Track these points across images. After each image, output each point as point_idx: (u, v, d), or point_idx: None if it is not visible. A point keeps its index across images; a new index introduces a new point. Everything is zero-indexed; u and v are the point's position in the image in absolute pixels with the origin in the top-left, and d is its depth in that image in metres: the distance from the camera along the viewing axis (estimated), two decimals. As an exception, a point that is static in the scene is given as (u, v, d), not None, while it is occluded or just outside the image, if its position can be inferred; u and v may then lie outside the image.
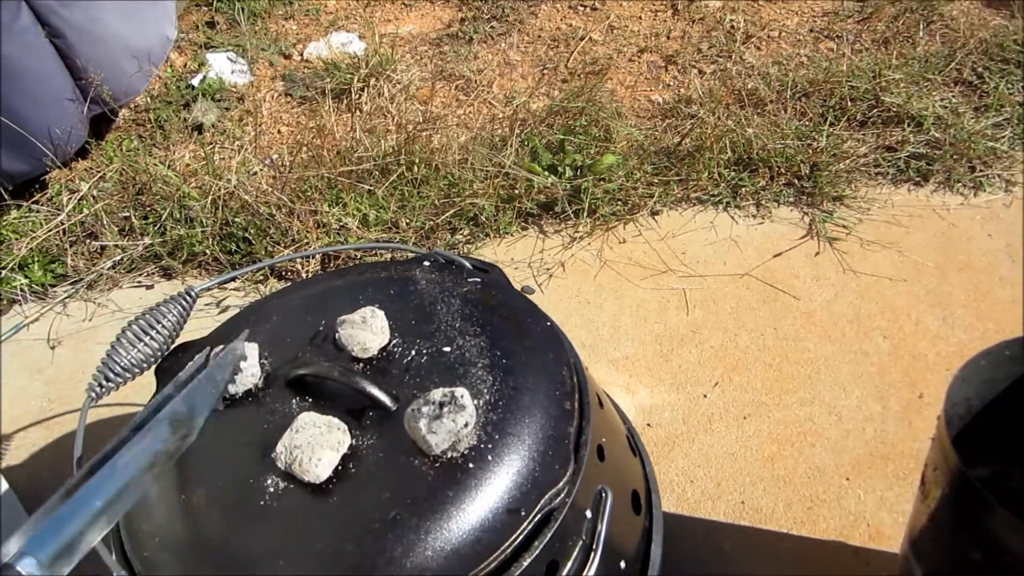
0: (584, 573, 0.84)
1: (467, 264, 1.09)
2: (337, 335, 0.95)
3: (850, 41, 2.60)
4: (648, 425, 1.53)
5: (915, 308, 1.72)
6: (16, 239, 2.16)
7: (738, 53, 2.60)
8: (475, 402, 0.84)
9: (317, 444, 0.81)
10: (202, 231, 2.02)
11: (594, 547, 0.85)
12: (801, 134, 2.15)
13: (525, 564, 0.77)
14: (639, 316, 1.77)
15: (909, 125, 2.16)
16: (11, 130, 2.10)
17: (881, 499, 1.38)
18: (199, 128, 2.56)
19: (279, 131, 2.54)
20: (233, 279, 1.93)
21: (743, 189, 2.05)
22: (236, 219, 2.03)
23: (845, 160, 2.06)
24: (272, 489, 0.81)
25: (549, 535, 0.79)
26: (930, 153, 2.09)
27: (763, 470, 1.44)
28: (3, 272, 2.06)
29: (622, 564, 0.94)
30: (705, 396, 1.58)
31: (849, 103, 2.24)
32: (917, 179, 2.06)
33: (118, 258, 2.08)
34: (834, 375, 1.60)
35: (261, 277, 1.98)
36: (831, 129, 2.14)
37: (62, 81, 2.24)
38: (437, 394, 0.82)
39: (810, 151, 2.08)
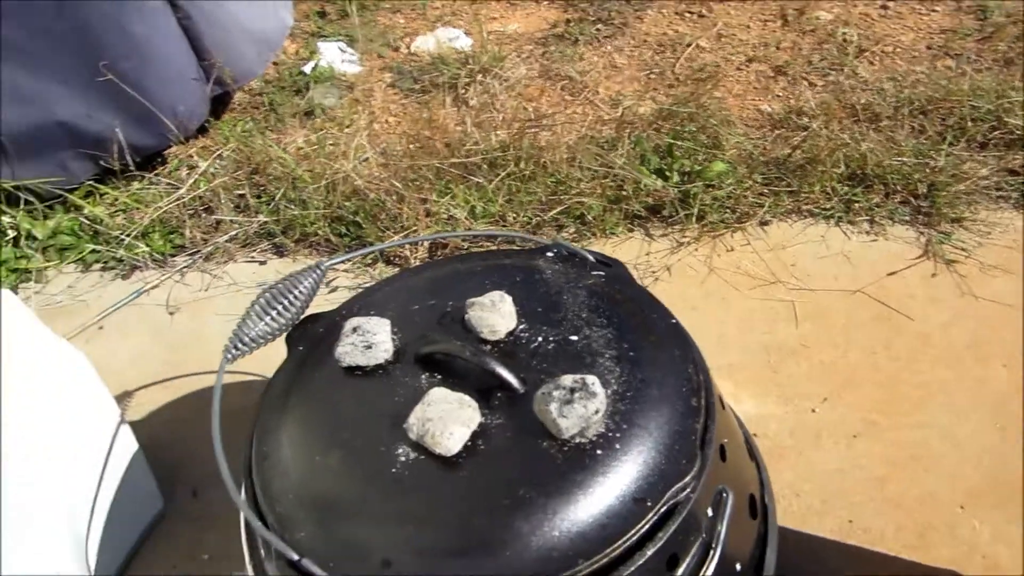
0: (702, 570, 0.84)
1: (590, 257, 1.09)
2: (466, 316, 0.96)
3: (971, 60, 2.52)
4: (755, 436, 1.51)
5: (1038, 338, 1.66)
6: (139, 209, 2.26)
7: (851, 67, 2.55)
8: (604, 391, 0.84)
9: (449, 418, 0.82)
10: (314, 213, 2.07)
11: (714, 545, 0.84)
12: (919, 152, 2.09)
13: (648, 554, 0.77)
14: (746, 325, 1.75)
15: (1034, 149, 2.09)
16: (139, 105, 2.19)
17: (998, 532, 1.33)
18: (310, 113, 2.63)
19: (387, 121, 2.59)
20: (354, 258, 1.97)
21: (856, 204, 2.01)
22: (346, 203, 2.08)
23: (965, 181, 1.99)
24: (404, 458, 0.83)
25: (672, 528, 0.79)
26: (1056, 179, 2.01)
27: (873, 490, 1.41)
28: (127, 239, 2.15)
29: (738, 567, 0.93)
30: (814, 411, 1.56)
31: (970, 123, 2.17)
32: (1042, 205, 1.99)
33: (233, 233, 2.15)
34: (950, 400, 1.55)
35: (370, 260, 2.03)
36: (950, 149, 2.08)
37: (188, 61, 2.33)
38: (568, 379, 0.83)
39: (928, 170, 2.02)
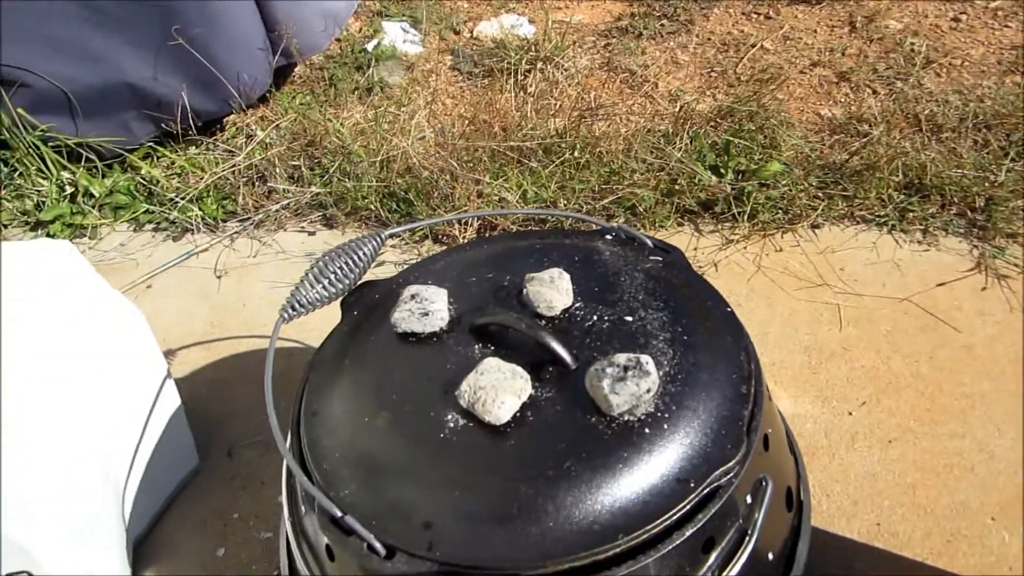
0: (736, 555, 0.85)
1: (648, 242, 1.11)
2: (524, 291, 0.98)
3: (1041, 77, 2.49)
4: (791, 433, 1.52)
5: (1084, 359, 1.64)
6: (195, 173, 2.31)
7: (917, 77, 2.52)
8: (657, 371, 0.85)
9: (501, 388, 0.84)
10: (367, 187, 2.10)
11: (750, 532, 0.85)
12: (979, 166, 2.07)
13: (687, 534, 0.78)
14: (790, 325, 1.75)
15: (1097, 171, 2.06)
16: (206, 70, 2.24)
17: (1029, 545, 1.33)
18: (369, 91, 2.66)
19: (444, 102, 2.62)
20: (423, 227, 2.00)
21: (911, 214, 1.99)
22: (399, 180, 2.11)
23: (1024, 197, 1.97)
24: (452, 424, 0.85)
25: (712, 511, 0.80)
26: (1117, 204, 1.98)
27: (904, 496, 1.41)
28: (181, 202, 2.19)
29: (770, 556, 0.94)
30: (850, 414, 1.56)
31: (1034, 140, 2.15)
32: (1100, 228, 1.96)
33: (285, 202, 2.19)
34: (989, 413, 1.54)
35: (419, 237, 2.05)
36: (1013, 164, 2.06)
37: (257, 30, 2.37)
38: (622, 357, 0.84)
39: (987, 184, 2.00)
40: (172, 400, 1.46)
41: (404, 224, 2.05)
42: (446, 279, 1.06)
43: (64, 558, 1.19)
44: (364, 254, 1.13)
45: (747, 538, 0.85)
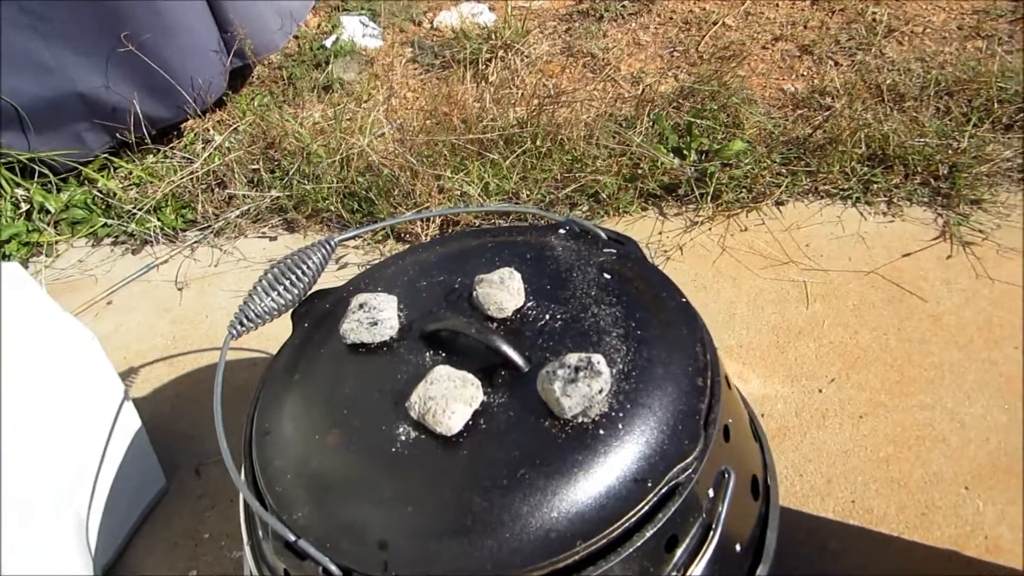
0: (702, 551, 0.84)
1: (602, 234, 1.09)
2: (474, 293, 0.96)
3: (1002, 41, 2.48)
4: (761, 416, 1.51)
5: (1052, 321, 1.64)
6: (152, 182, 2.27)
7: (878, 47, 2.51)
8: (609, 370, 0.84)
9: (451, 397, 0.82)
10: (327, 188, 2.07)
11: (714, 526, 0.84)
12: (942, 133, 2.06)
13: (647, 535, 0.77)
14: (756, 305, 1.74)
15: (1060, 132, 2.05)
16: (158, 77, 2.20)
17: (1002, 512, 1.32)
18: (328, 88, 2.63)
19: (405, 96, 2.58)
20: (364, 233, 1.97)
21: (875, 185, 1.98)
22: (360, 179, 2.08)
23: (987, 163, 1.96)
24: (404, 437, 0.83)
25: (673, 509, 0.79)
26: (1080, 162, 1.98)
27: (877, 471, 1.40)
28: (139, 213, 2.16)
29: (737, 547, 0.93)
30: (820, 391, 1.55)
31: (996, 105, 2.14)
32: (1064, 188, 1.96)
33: (246, 208, 2.16)
34: (959, 382, 1.54)
35: (381, 237, 2.03)
36: (975, 130, 2.05)
37: (209, 33, 2.33)
38: (573, 358, 0.83)
39: (950, 151, 2.00)
40: (132, 422, 1.44)
41: (364, 225, 2.02)
42: (396, 285, 1.04)
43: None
44: (313, 263, 1.11)
45: (712, 532, 0.85)
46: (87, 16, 2.07)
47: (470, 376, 0.85)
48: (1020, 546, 1.27)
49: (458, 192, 2.00)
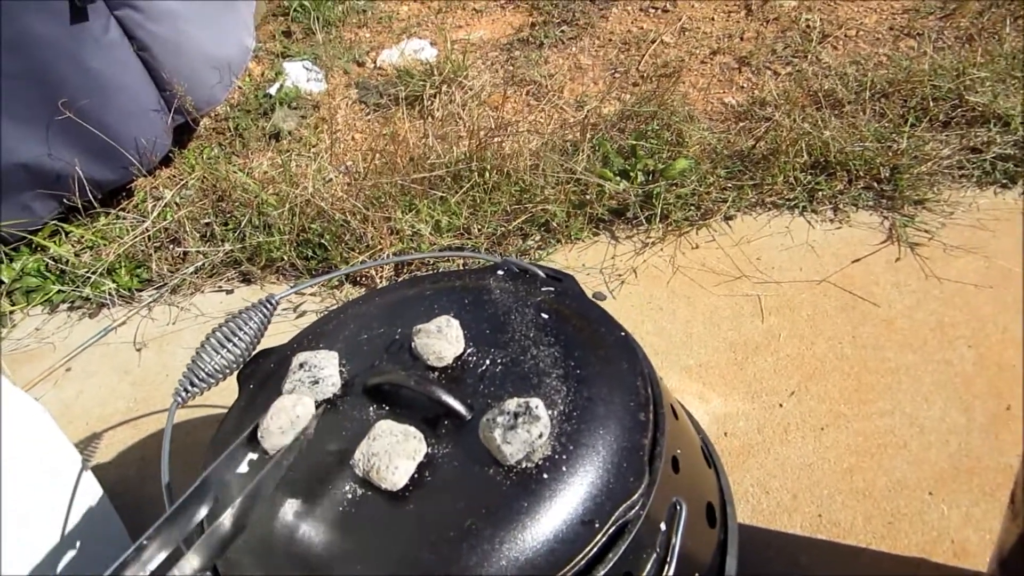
0: (659, 586, 0.84)
1: (540, 273, 1.09)
2: (413, 344, 0.96)
3: (932, 39, 2.53)
4: (724, 434, 1.51)
5: (1002, 316, 1.66)
6: (104, 245, 2.25)
7: (814, 53, 2.55)
8: (549, 412, 0.84)
9: (394, 452, 0.82)
10: (280, 238, 2.07)
11: (668, 559, 0.84)
12: (881, 136, 2.09)
13: (599, 576, 0.77)
14: (713, 323, 1.75)
15: (995, 125, 2.09)
16: (101, 141, 2.19)
17: (966, 515, 1.33)
18: (277, 136, 2.62)
19: (353, 138, 2.59)
20: (307, 288, 1.97)
21: (820, 193, 2.01)
22: (312, 226, 2.08)
23: (927, 162, 2.00)
24: (351, 496, 0.83)
25: (623, 547, 0.78)
26: (1018, 154, 2.01)
27: (841, 482, 1.41)
28: (93, 277, 2.14)
29: (696, 577, 0.93)
30: (781, 405, 1.56)
31: (931, 103, 2.18)
32: (1004, 181, 1.99)
33: (200, 263, 2.15)
34: (916, 385, 1.55)
35: (336, 283, 2.02)
36: (912, 130, 2.09)
37: (148, 93, 2.32)
38: (512, 404, 0.83)
39: (890, 153, 2.03)
40: (93, 491, 1.41)
41: (320, 273, 2.02)
42: (337, 340, 1.04)
43: None
44: (254, 324, 1.10)
45: (667, 567, 0.84)
46: (21, 86, 2.05)
47: (412, 429, 0.85)
48: (986, 548, 1.28)
49: (409, 232, 2.00)
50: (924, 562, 1.28)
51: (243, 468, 0.85)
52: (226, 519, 0.77)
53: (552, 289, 1.05)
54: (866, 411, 1.52)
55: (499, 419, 0.81)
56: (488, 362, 0.94)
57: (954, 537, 1.31)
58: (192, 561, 0.74)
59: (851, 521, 1.35)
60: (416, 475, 0.83)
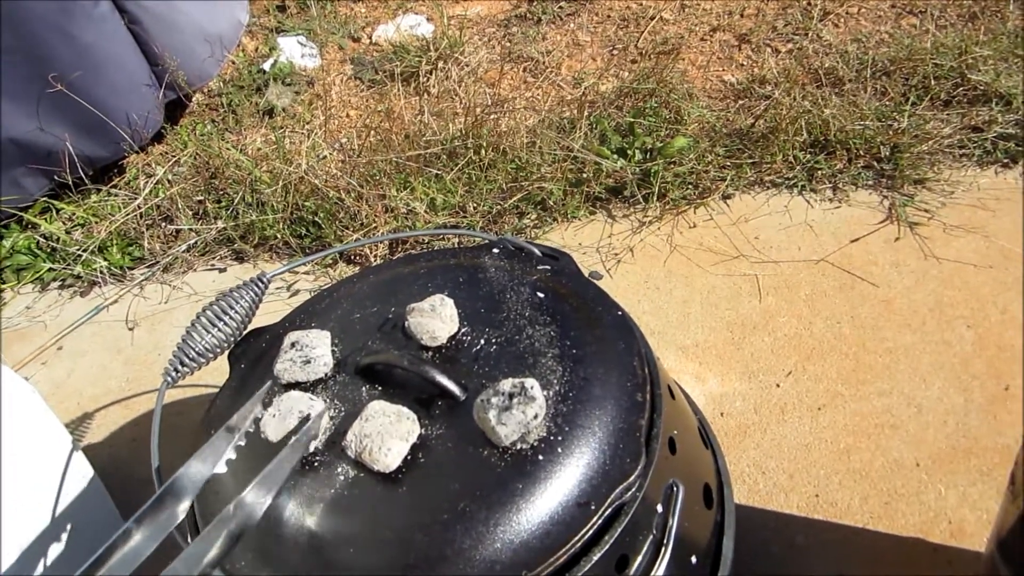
0: (655, 568, 0.83)
1: (536, 251, 1.07)
2: (406, 323, 0.94)
3: (934, 17, 2.50)
4: (721, 415, 1.50)
5: (1001, 296, 1.65)
6: (96, 222, 2.23)
7: (815, 31, 2.52)
8: (545, 393, 0.82)
9: (387, 433, 0.81)
10: (273, 215, 2.05)
11: (665, 541, 0.83)
12: (881, 115, 2.07)
13: (595, 559, 0.76)
14: (710, 302, 1.74)
15: (997, 104, 2.07)
16: (92, 116, 2.16)
17: (963, 495, 1.33)
18: (270, 112, 2.59)
19: (348, 115, 2.56)
20: (300, 266, 1.95)
21: (819, 172, 1.99)
22: (306, 203, 2.05)
23: (928, 141, 1.98)
24: (343, 478, 0.82)
25: (619, 529, 0.77)
26: (1019, 133, 1.99)
27: (838, 463, 1.40)
28: (84, 255, 2.12)
29: (693, 559, 0.92)
30: (778, 385, 1.55)
31: (933, 82, 2.15)
32: (1005, 160, 1.97)
33: (192, 241, 2.13)
34: (914, 365, 1.54)
35: (331, 261, 2.00)
36: (913, 109, 2.06)
37: (139, 68, 2.29)
38: (507, 384, 0.81)
39: (890, 132, 2.01)
40: (84, 471, 1.40)
41: (312, 251, 2.00)
42: (329, 319, 1.02)
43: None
44: (245, 302, 1.09)
45: (663, 547, 0.83)
46: (11, 60, 2.02)
47: (405, 410, 0.84)
48: (983, 528, 1.27)
49: (404, 210, 1.98)
50: (921, 542, 1.27)
51: (230, 455, 0.83)
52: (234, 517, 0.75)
53: (548, 268, 1.04)
54: (864, 391, 1.51)
55: (494, 400, 0.80)
56: (483, 342, 0.93)
57: (951, 517, 1.30)
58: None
59: (848, 501, 1.34)
60: (409, 457, 0.82)
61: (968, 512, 1.30)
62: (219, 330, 1.05)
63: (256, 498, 0.75)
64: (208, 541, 0.71)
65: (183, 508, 0.79)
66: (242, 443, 0.84)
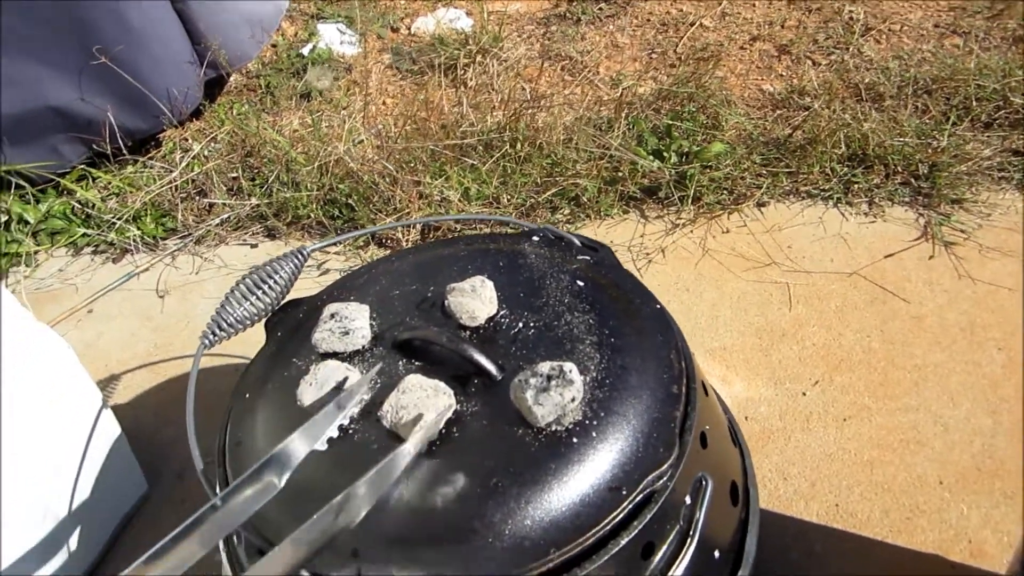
0: (679, 558, 0.83)
1: (576, 241, 1.08)
2: (446, 302, 0.95)
3: (978, 38, 2.48)
4: (745, 419, 1.50)
5: (1034, 321, 1.64)
6: (131, 192, 2.25)
7: (856, 45, 2.51)
8: (582, 378, 0.83)
9: (423, 406, 0.81)
10: (307, 194, 2.06)
11: (691, 533, 0.83)
12: (921, 132, 2.06)
13: (622, 543, 0.76)
14: (739, 308, 1.73)
15: (1039, 129, 2.06)
16: (133, 89, 2.19)
17: (986, 516, 1.32)
18: (307, 96, 2.61)
19: (384, 102, 2.57)
20: (339, 242, 1.96)
21: (856, 186, 1.98)
22: (340, 185, 2.07)
23: (967, 162, 1.97)
24: (376, 446, 0.82)
25: (648, 516, 0.77)
26: (1061, 160, 1.98)
27: (861, 474, 1.40)
28: (118, 223, 2.14)
29: (716, 554, 0.92)
30: (804, 394, 1.54)
31: (974, 103, 2.14)
32: (1045, 186, 1.96)
33: (226, 216, 2.14)
34: (942, 384, 1.53)
35: (362, 243, 2.01)
36: (954, 129, 2.05)
37: (182, 45, 2.32)
38: (545, 367, 0.81)
39: (930, 150, 2.00)
40: (112, 429, 1.42)
41: (345, 232, 2.01)
42: (369, 294, 1.03)
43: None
44: (286, 272, 1.10)
45: (689, 539, 0.84)
46: (59, 31, 2.05)
47: (442, 385, 0.84)
48: (1003, 550, 1.27)
49: (438, 198, 1.99)
50: (940, 559, 1.26)
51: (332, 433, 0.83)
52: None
53: (588, 258, 1.04)
54: (891, 406, 1.50)
55: (532, 380, 0.80)
56: (521, 325, 0.93)
57: (972, 537, 1.29)
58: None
59: (868, 513, 1.34)
60: (444, 431, 0.82)
61: (989, 534, 1.29)
62: (258, 298, 1.06)
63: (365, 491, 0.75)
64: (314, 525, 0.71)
65: (278, 483, 0.78)
66: (346, 423, 0.84)
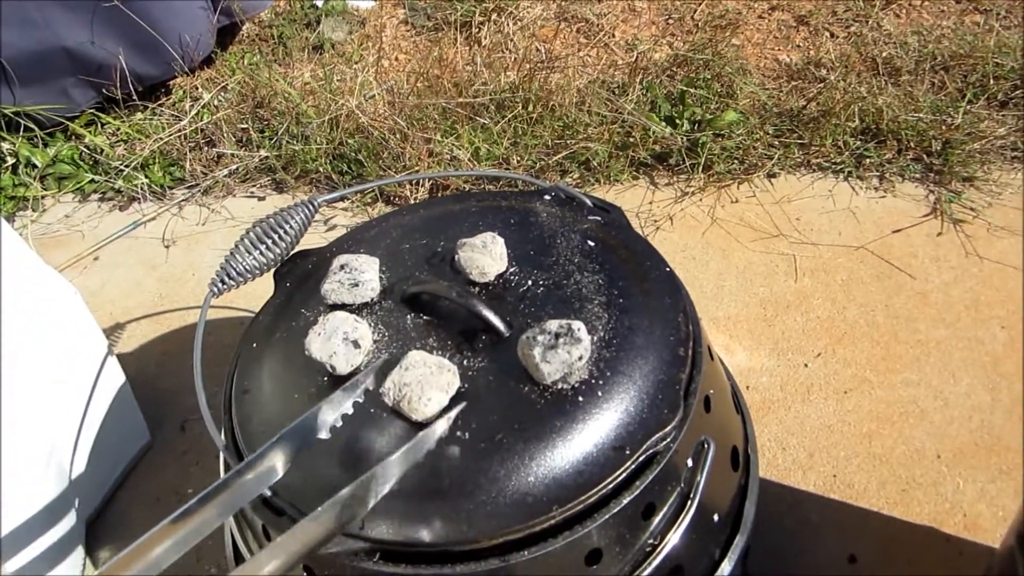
0: (679, 520, 0.84)
1: (588, 201, 1.08)
2: (456, 257, 0.95)
3: (999, 16, 2.45)
4: (747, 388, 1.51)
5: (1039, 301, 1.64)
6: (140, 139, 2.24)
7: (876, 19, 2.48)
8: (590, 337, 0.83)
9: (427, 384, 0.80)
10: (316, 149, 2.05)
11: (692, 495, 0.84)
12: (936, 108, 2.05)
13: (624, 502, 0.76)
14: (745, 278, 1.74)
15: (1056, 110, 2.04)
16: (145, 34, 2.17)
17: (981, 490, 1.33)
18: (319, 48, 2.59)
19: (397, 58, 2.55)
20: (349, 195, 1.95)
21: (867, 160, 1.97)
22: (350, 140, 2.06)
23: (981, 140, 1.95)
24: (386, 426, 0.82)
25: (650, 477, 0.78)
26: (1076, 142, 1.97)
27: (859, 446, 1.41)
28: (126, 170, 2.13)
29: (715, 517, 0.93)
30: (806, 365, 1.55)
31: (992, 81, 2.12)
32: (1058, 168, 1.95)
33: (234, 167, 2.14)
34: (944, 360, 1.54)
35: (370, 199, 2.01)
36: (969, 106, 2.04)
37: (195, -10, 2.30)
38: (553, 324, 0.82)
39: (944, 127, 1.98)
40: (116, 377, 1.43)
41: (352, 186, 2.00)
42: (379, 247, 1.03)
43: (11, 538, 1.16)
44: (296, 223, 1.09)
45: (689, 502, 0.84)
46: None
47: (446, 361, 0.83)
48: (998, 524, 1.28)
49: (448, 156, 1.98)
50: (934, 531, 1.28)
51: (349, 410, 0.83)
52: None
53: (599, 219, 1.04)
54: (891, 380, 1.51)
55: (540, 338, 0.80)
56: (530, 282, 0.93)
57: (967, 511, 1.31)
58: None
59: (865, 484, 1.35)
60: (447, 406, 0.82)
61: (984, 507, 1.31)
62: (268, 248, 1.06)
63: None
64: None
65: (289, 458, 0.78)
66: (360, 400, 0.83)
